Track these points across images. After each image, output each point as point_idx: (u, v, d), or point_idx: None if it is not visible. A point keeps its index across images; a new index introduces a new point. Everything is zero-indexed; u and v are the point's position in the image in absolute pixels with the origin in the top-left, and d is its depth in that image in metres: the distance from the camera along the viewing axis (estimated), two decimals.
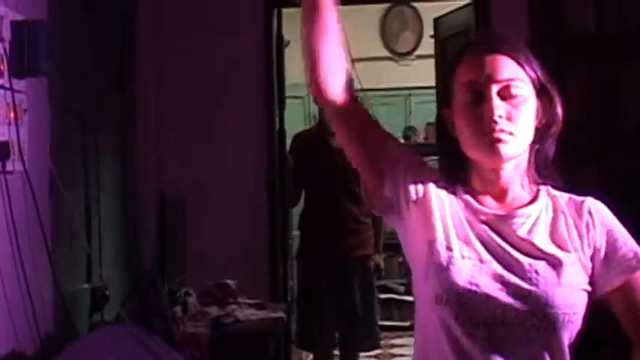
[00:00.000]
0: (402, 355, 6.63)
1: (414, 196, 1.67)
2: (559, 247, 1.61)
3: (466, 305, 1.56)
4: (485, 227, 1.63)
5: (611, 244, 1.63)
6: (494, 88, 1.60)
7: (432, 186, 1.67)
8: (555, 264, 1.58)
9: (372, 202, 1.76)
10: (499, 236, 1.62)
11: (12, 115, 2.75)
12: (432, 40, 5.59)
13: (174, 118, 4.69)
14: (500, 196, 1.66)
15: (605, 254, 1.62)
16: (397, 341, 7.16)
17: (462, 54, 1.66)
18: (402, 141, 8.46)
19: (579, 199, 1.68)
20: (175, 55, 4.67)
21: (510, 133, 1.59)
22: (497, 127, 1.58)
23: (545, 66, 1.66)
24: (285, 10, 4.87)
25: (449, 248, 1.60)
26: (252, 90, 4.70)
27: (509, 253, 1.60)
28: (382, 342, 6.79)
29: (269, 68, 4.74)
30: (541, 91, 1.65)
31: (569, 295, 1.56)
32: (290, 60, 5.14)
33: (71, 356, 2.49)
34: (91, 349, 2.57)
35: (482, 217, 1.64)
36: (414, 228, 1.66)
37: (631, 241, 1.64)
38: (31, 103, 2.91)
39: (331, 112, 1.79)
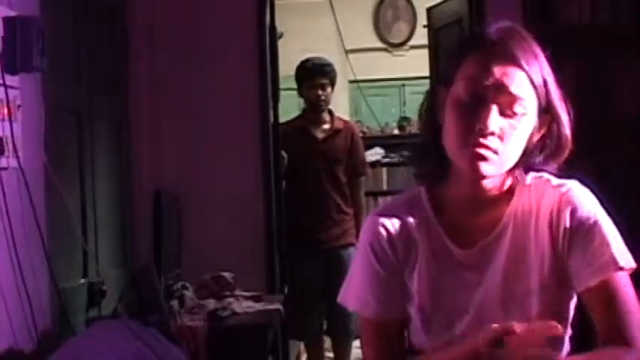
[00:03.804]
0: None
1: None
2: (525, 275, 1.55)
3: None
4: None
5: (588, 241, 1.53)
6: (497, 99, 1.49)
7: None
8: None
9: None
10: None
11: (5, 111, 2.75)
12: (426, 30, 5.58)
13: (169, 113, 4.68)
14: (473, 202, 1.60)
15: (582, 253, 1.53)
16: None
17: (479, 39, 1.54)
18: (397, 131, 8.49)
19: (561, 189, 1.57)
20: (169, 49, 4.67)
21: (495, 152, 1.49)
22: (484, 142, 1.48)
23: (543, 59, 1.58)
24: (278, 2, 4.86)
25: None
26: (246, 83, 4.70)
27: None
28: None
29: (263, 61, 4.73)
30: (546, 110, 1.55)
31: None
32: (284, 52, 5.14)
33: (68, 351, 2.49)
34: (89, 344, 2.57)
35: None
36: None
37: (609, 239, 1.53)
38: (25, 100, 2.90)
39: None
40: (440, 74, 1.65)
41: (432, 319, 1.60)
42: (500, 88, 1.49)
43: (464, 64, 1.53)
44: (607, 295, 1.51)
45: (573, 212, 1.55)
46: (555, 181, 1.60)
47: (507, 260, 1.57)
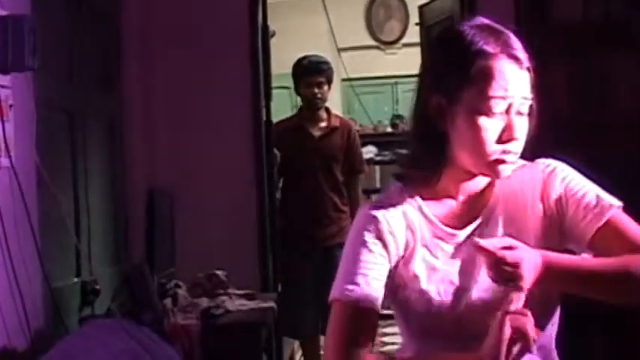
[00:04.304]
0: (392, 344, 6.64)
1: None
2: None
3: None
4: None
5: (580, 197, 1.61)
6: (516, 105, 1.55)
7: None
8: None
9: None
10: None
11: None
12: (418, 28, 5.59)
13: (162, 111, 4.68)
14: (463, 190, 1.66)
15: (577, 208, 1.61)
16: (388, 330, 7.17)
17: (481, 49, 1.55)
18: (389, 129, 8.50)
19: (547, 167, 1.66)
20: (162, 48, 4.66)
21: (515, 153, 1.58)
22: (508, 149, 1.55)
23: (531, 55, 1.61)
24: (270, 1, 4.86)
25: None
26: (238, 81, 4.70)
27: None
28: None
29: (255, 59, 4.73)
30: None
31: None
32: (276, 50, 5.14)
33: (62, 351, 2.49)
34: (82, 344, 2.57)
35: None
36: None
37: (596, 191, 1.62)
38: (17, 99, 2.90)
39: None
40: (435, 83, 1.63)
41: (434, 302, 1.62)
42: (517, 96, 1.55)
43: (473, 76, 1.55)
44: (617, 228, 1.58)
45: (562, 181, 1.63)
46: (537, 162, 1.67)
47: (504, 235, 1.61)
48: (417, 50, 5.59)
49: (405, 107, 8.76)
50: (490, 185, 1.66)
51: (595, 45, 4.41)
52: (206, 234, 4.53)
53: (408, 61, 7.89)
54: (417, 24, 5.69)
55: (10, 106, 2.85)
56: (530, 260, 1.48)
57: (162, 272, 3.73)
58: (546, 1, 4.51)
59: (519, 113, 1.56)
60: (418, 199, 1.67)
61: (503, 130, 1.54)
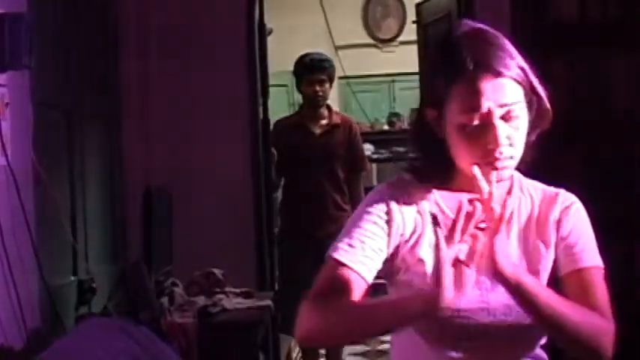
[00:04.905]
0: (390, 342, 6.63)
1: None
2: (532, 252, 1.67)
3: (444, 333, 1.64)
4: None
5: (577, 238, 1.68)
6: (498, 114, 1.56)
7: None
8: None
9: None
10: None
11: None
12: (415, 26, 5.59)
13: (159, 110, 4.67)
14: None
15: (571, 245, 1.67)
16: None
17: (459, 63, 1.57)
18: (386, 127, 8.50)
19: (553, 191, 1.72)
20: (159, 47, 4.66)
21: (511, 158, 1.60)
22: (501, 156, 1.57)
23: (527, 53, 1.63)
24: None
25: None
26: (235, 80, 4.69)
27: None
28: None
29: (252, 57, 4.73)
30: (530, 93, 1.62)
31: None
32: (273, 48, 5.13)
33: (59, 350, 2.49)
34: (79, 342, 2.56)
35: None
36: None
37: (587, 240, 1.68)
38: (13, 97, 2.89)
39: None
40: (428, 96, 1.69)
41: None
42: (494, 105, 1.56)
43: (453, 89, 1.59)
44: (587, 282, 1.63)
45: (570, 222, 1.69)
46: (558, 192, 1.73)
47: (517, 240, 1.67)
48: (414, 48, 5.58)
49: (402, 105, 8.81)
50: (505, 186, 1.68)
51: (595, 45, 4.41)
52: (203, 232, 4.53)
53: (405, 59, 7.89)
54: (414, 22, 5.69)
55: (7, 104, 2.85)
56: (509, 256, 1.54)
57: (160, 271, 3.73)
58: (544, 1, 4.51)
59: (505, 119, 1.57)
60: (435, 191, 1.71)
61: (487, 138, 1.56)
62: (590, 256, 1.66)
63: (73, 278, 3.46)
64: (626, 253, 3.37)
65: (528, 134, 1.64)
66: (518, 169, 1.69)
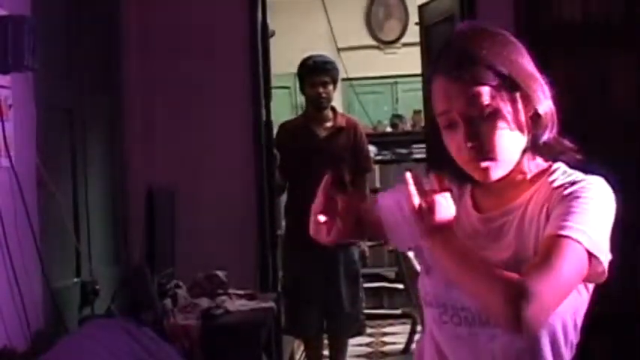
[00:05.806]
0: (393, 343, 6.65)
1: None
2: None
3: (446, 305, 1.64)
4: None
5: (564, 206, 1.53)
6: (468, 117, 1.56)
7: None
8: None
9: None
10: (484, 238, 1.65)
11: None
12: (418, 28, 5.59)
13: (162, 112, 4.67)
14: (496, 189, 1.65)
15: (554, 215, 1.54)
16: (389, 329, 7.18)
17: (439, 64, 1.61)
18: (389, 129, 8.49)
19: (576, 183, 1.58)
20: (162, 48, 4.66)
21: (492, 159, 1.57)
22: (479, 157, 1.56)
23: (528, 53, 1.62)
24: (269, 0, 4.86)
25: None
26: (238, 81, 4.69)
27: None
28: (374, 330, 6.85)
29: (254, 59, 4.73)
30: (517, 88, 1.58)
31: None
32: (275, 50, 5.14)
33: (62, 351, 2.49)
34: (82, 344, 2.57)
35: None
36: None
37: (581, 216, 1.51)
38: (17, 99, 2.90)
39: None
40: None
41: None
42: (468, 107, 1.56)
43: (432, 90, 1.62)
44: (551, 246, 1.48)
45: (563, 194, 1.56)
46: (580, 175, 1.61)
47: (515, 238, 1.61)
48: (417, 50, 5.58)
49: (405, 107, 8.81)
50: (526, 186, 1.64)
51: (595, 45, 4.41)
52: (206, 234, 4.53)
53: (407, 60, 7.89)
54: (416, 23, 5.68)
55: (10, 106, 2.85)
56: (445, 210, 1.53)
57: (162, 272, 3.73)
58: (546, 1, 4.51)
59: (486, 118, 1.55)
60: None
61: (462, 141, 1.57)
62: (568, 227, 1.48)
63: (76, 280, 3.46)
64: (626, 253, 3.38)
65: (535, 130, 1.61)
66: (566, 162, 1.65)
